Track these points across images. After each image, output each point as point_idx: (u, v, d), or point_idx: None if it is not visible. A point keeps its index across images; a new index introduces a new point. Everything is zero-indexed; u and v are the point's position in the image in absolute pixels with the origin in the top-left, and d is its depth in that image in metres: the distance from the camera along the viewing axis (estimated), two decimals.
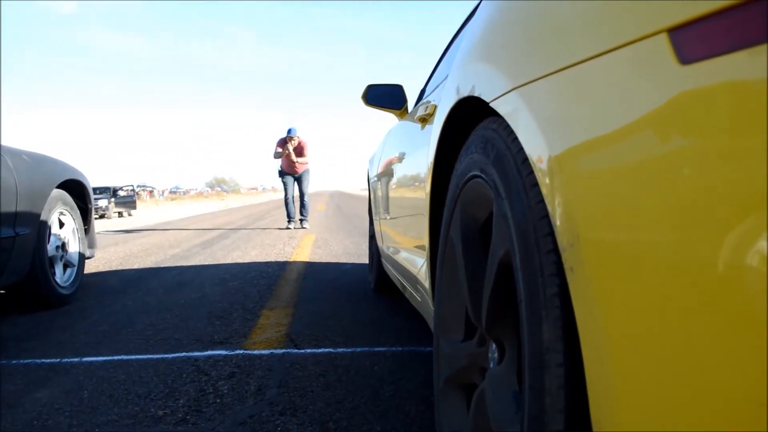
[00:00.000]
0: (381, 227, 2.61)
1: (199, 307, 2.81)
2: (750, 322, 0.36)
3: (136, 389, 1.70)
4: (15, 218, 2.54)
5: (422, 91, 2.25)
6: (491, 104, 0.75)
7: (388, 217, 2.30)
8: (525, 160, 0.65)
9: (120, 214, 18.37)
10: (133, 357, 2.02)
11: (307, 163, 8.03)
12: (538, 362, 0.60)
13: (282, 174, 8.07)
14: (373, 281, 3.14)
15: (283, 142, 7.93)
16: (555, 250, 0.58)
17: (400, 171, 1.96)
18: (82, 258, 3.32)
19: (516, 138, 0.68)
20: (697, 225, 0.39)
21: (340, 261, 4.51)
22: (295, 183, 8.09)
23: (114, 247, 6.13)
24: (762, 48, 0.34)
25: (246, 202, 24.63)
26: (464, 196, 0.95)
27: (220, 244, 6.02)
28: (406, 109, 2.46)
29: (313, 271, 3.97)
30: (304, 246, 5.64)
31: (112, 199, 17.73)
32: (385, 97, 2.49)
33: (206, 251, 5.36)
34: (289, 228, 8.04)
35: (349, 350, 2.06)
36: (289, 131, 7.90)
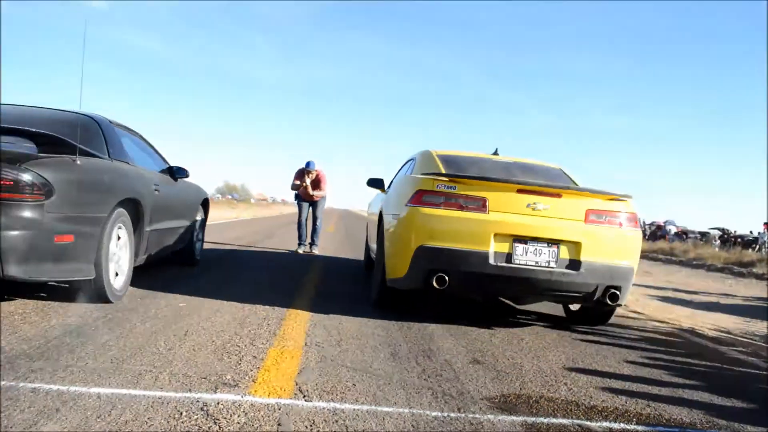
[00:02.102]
0: (367, 234, 6.18)
1: (207, 341, 2.80)
2: (403, 248, 3.62)
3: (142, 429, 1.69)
4: (190, 218, 5.20)
5: (391, 182, 5.27)
6: (382, 213, 4.39)
7: (370, 233, 5.68)
8: (383, 217, 4.35)
9: None
10: (141, 392, 2.01)
11: (324, 195, 8.06)
12: (375, 256, 4.60)
13: (298, 198, 8.11)
14: (364, 264, 6.73)
15: (300, 174, 7.88)
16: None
17: (373, 214, 5.34)
18: (202, 239, 5.98)
19: (382, 215, 4.38)
20: (400, 235, 3.77)
21: (350, 289, 4.49)
22: (310, 207, 8.12)
23: None
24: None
25: (256, 215, 24.73)
26: (383, 221, 4.28)
27: (228, 263, 6.03)
28: (384, 189, 5.43)
29: (322, 301, 3.96)
30: (313, 272, 5.64)
31: None
32: (376, 184, 5.60)
33: (212, 274, 5.37)
34: (298, 251, 8.02)
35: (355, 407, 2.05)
36: (308, 164, 7.84)
